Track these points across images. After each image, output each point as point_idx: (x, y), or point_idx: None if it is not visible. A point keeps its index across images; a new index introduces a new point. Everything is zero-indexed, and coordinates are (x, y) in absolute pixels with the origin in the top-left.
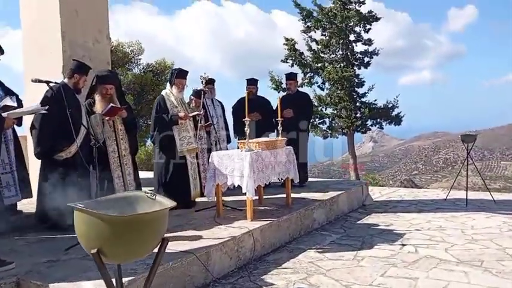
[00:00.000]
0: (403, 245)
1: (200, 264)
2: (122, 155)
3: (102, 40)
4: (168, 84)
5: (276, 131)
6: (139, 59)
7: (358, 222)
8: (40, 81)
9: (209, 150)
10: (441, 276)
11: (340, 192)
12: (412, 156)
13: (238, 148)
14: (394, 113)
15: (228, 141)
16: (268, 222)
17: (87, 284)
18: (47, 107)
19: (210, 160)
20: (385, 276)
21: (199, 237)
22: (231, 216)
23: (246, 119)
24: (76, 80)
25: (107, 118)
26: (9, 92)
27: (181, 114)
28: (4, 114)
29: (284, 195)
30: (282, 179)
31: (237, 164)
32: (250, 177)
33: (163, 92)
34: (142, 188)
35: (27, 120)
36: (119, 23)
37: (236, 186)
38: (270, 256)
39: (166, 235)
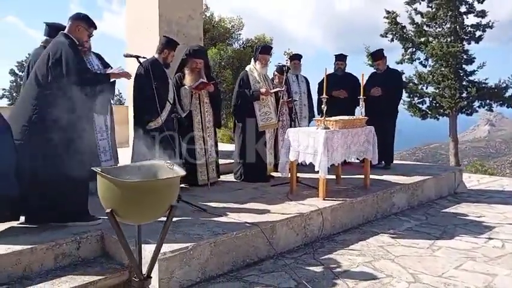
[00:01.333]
0: (490, 238)
1: (264, 236)
2: (206, 127)
3: (196, 17)
4: (252, 60)
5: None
6: (239, 34)
7: (443, 211)
8: (131, 56)
9: (291, 126)
10: None
11: (426, 177)
12: None
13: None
14: (507, 94)
15: (312, 117)
16: (340, 202)
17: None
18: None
19: (285, 136)
20: (459, 269)
21: (268, 211)
22: (304, 193)
23: (324, 95)
24: (165, 55)
25: (194, 91)
26: (107, 67)
27: (263, 90)
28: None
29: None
30: (359, 159)
31: (311, 142)
32: (324, 155)
33: (247, 68)
34: (221, 160)
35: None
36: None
37: (308, 163)
38: (340, 236)
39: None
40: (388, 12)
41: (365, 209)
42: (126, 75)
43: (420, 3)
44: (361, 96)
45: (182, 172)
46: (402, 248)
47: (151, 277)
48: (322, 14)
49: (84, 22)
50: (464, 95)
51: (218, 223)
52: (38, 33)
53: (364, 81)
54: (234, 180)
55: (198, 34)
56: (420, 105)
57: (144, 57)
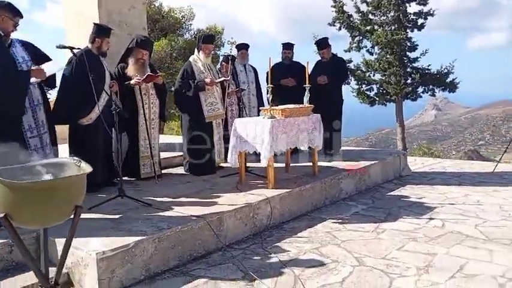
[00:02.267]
0: (431, 218)
1: (211, 229)
2: (150, 119)
3: (138, 6)
4: (195, 50)
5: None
6: (190, 24)
7: (389, 194)
8: (64, 47)
9: (240, 117)
10: (462, 254)
11: (373, 162)
12: (479, 125)
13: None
14: (448, 79)
15: (261, 107)
16: (288, 190)
17: (96, 241)
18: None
19: (233, 127)
20: (402, 250)
21: (216, 203)
22: (254, 183)
23: (269, 85)
24: (98, 44)
25: (140, 83)
26: (43, 58)
27: (207, 80)
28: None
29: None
30: (306, 147)
31: (258, 131)
32: (269, 144)
33: (190, 58)
34: (171, 153)
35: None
36: None
37: (258, 153)
38: (288, 224)
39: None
40: (335, 1)
41: (313, 196)
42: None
43: None
44: (306, 85)
45: (89, 169)
46: (349, 232)
47: (59, 284)
48: (276, 5)
49: (8, 11)
50: (408, 81)
51: (163, 218)
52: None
53: (310, 70)
54: (184, 173)
55: (141, 23)
56: (368, 92)
57: (78, 48)
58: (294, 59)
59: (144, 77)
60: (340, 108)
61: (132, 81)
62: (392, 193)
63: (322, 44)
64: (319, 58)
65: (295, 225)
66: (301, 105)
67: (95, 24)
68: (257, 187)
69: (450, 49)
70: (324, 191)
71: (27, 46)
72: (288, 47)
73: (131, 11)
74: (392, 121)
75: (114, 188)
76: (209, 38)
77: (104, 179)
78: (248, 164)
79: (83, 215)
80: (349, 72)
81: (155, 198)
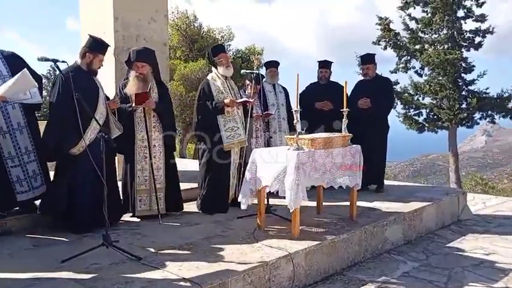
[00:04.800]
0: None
1: None
2: (151, 146)
3: (159, 19)
4: (212, 68)
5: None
6: (229, 45)
7: (447, 245)
8: (47, 59)
9: (268, 143)
10: None
11: (426, 204)
12: None
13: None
14: (510, 105)
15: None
16: (317, 243)
17: None
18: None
19: (251, 158)
20: None
21: (221, 258)
22: (276, 228)
23: (296, 108)
24: (89, 60)
25: (134, 107)
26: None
27: (227, 100)
28: None
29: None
30: (339, 185)
31: (280, 165)
32: (294, 183)
33: (208, 76)
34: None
35: None
36: (220, 12)
37: (276, 192)
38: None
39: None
40: (380, 18)
41: (350, 249)
42: None
43: (414, 8)
44: (344, 109)
45: None
46: None
47: None
48: (318, 27)
49: None
50: (463, 106)
51: (149, 280)
52: (34, 46)
53: (349, 91)
54: (197, 210)
55: (162, 38)
56: (417, 117)
57: (63, 61)
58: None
59: (135, 97)
60: (385, 137)
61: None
62: (451, 244)
63: (367, 58)
64: (360, 79)
65: None
66: (337, 134)
67: (89, 36)
68: (279, 235)
69: (497, 73)
70: (364, 241)
71: (8, 58)
72: (324, 64)
73: (151, 25)
74: (439, 147)
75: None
76: (218, 48)
77: (100, 217)
78: (272, 200)
79: (48, 273)
80: (395, 96)
81: (149, 248)
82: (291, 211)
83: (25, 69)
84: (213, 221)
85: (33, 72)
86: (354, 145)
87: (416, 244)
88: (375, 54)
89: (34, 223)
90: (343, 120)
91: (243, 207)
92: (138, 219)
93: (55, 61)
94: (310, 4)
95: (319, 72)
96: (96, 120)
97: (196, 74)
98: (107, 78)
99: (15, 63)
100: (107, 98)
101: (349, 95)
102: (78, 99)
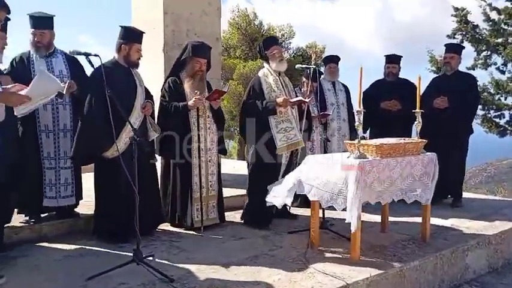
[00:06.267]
0: None
1: None
2: (207, 148)
3: (211, 12)
4: (264, 63)
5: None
6: (290, 43)
7: None
8: (79, 53)
9: (325, 150)
10: None
11: None
12: None
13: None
14: None
15: (356, 136)
16: (381, 272)
17: None
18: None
19: (303, 163)
20: None
21: (266, 287)
22: (331, 249)
23: (359, 108)
24: (126, 52)
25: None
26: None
27: (280, 99)
28: None
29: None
30: (410, 199)
31: (337, 176)
32: (356, 197)
33: (259, 73)
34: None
35: None
36: (280, 12)
37: (327, 205)
38: None
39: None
40: (456, 9)
41: (422, 278)
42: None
43: None
44: (417, 110)
45: None
46: None
47: None
48: (382, 25)
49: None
50: None
51: None
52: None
53: (424, 88)
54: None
55: (214, 33)
56: (497, 120)
57: (96, 55)
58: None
59: (211, 93)
60: (466, 143)
61: (190, 102)
62: None
63: (453, 47)
64: (435, 76)
65: None
66: (408, 139)
67: (120, 26)
68: (335, 257)
69: None
70: (439, 269)
71: (71, 62)
72: (392, 59)
73: (202, 18)
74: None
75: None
76: (270, 40)
77: (144, 226)
78: (328, 212)
79: None
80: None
81: (185, 266)
82: (352, 231)
83: (42, 68)
84: (261, 236)
85: (84, 76)
86: (428, 153)
87: (504, 274)
88: (463, 46)
89: (71, 229)
90: (416, 122)
91: (276, 203)
92: (179, 230)
93: (87, 55)
94: (373, 1)
95: (386, 67)
96: (130, 123)
97: (256, 74)
98: (155, 75)
99: (75, 66)
100: (148, 95)
101: (422, 93)
102: (110, 97)
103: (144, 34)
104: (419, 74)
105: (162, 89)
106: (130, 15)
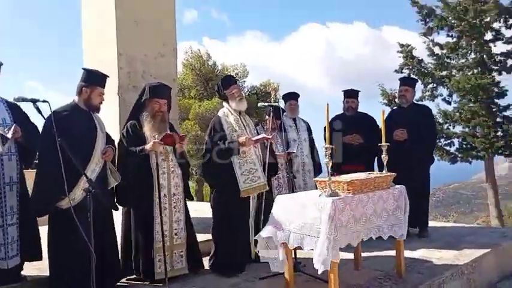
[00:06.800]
0: None
1: None
2: (171, 194)
3: (167, 53)
4: (223, 103)
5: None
6: (244, 81)
7: None
8: (24, 99)
9: (292, 186)
10: None
11: (484, 251)
12: None
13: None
14: None
15: (318, 171)
16: None
17: None
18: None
19: (274, 207)
20: None
21: None
22: None
23: (327, 145)
24: (87, 96)
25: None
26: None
27: (242, 139)
28: None
29: (393, 253)
30: (386, 235)
31: (310, 216)
32: (328, 239)
33: (219, 112)
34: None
35: None
36: (232, 53)
37: (310, 249)
38: None
39: None
40: (402, 45)
41: None
42: None
43: (438, 33)
44: (383, 143)
45: None
46: None
47: None
48: (329, 63)
49: None
50: (499, 133)
51: None
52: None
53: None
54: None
55: (171, 74)
56: (448, 148)
57: (45, 101)
58: None
59: (162, 136)
60: (428, 173)
61: (147, 146)
62: None
63: (405, 81)
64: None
65: None
66: (377, 174)
67: (83, 69)
68: None
69: None
70: None
71: (14, 109)
72: (351, 94)
73: (158, 60)
74: (459, 175)
75: None
76: (228, 80)
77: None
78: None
79: None
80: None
81: None
82: (319, 272)
83: None
84: (231, 285)
85: (28, 122)
86: (397, 186)
87: None
88: (415, 78)
89: None
90: (383, 156)
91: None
92: (142, 283)
93: (34, 101)
94: (318, 41)
95: (345, 102)
96: (85, 174)
97: (212, 113)
98: (110, 119)
99: (18, 112)
100: (109, 141)
101: (380, 126)
102: (61, 146)
103: (107, 78)
104: (383, 109)
105: (120, 134)
106: (81, 57)
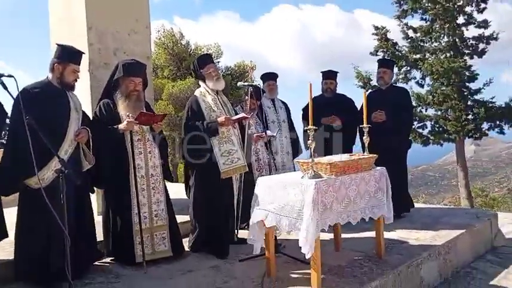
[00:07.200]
0: None
1: None
2: (149, 175)
3: (140, 30)
4: (200, 82)
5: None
6: (218, 62)
7: (492, 283)
8: None
9: (272, 168)
10: None
11: (460, 232)
12: None
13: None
14: None
15: (296, 153)
16: None
17: None
18: None
19: (255, 189)
20: None
21: None
22: (288, 276)
23: (310, 126)
24: (59, 73)
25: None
26: None
27: (221, 118)
28: None
29: (373, 234)
30: (367, 217)
31: (292, 198)
32: (312, 220)
33: (196, 92)
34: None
35: None
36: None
37: (288, 230)
38: None
39: None
40: (376, 28)
41: None
42: None
43: (412, 17)
44: (364, 125)
45: None
46: None
47: None
48: (302, 44)
49: None
50: (470, 116)
51: None
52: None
53: (359, 103)
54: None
55: (145, 51)
56: (421, 130)
57: (10, 75)
58: None
59: (136, 115)
60: (405, 154)
61: (121, 126)
62: (495, 282)
63: (383, 63)
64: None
65: None
66: (359, 155)
67: (57, 44)
68: (295, 284)
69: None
70: (398, 287)
71: None
72: (329, 75)
73: (131, 36)
74: (427, 157)
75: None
76: (204, 58)
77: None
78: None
79: None
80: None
81: None
82: (306, 257)
83: None
84: (211, 266)
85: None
86: (377, 167)
87: (455, 283)
88: (394, 61)
89: None
90: (365, 137)
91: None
92: (121, 266)
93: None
94: (291, 23)
95: (324, 83)
96: (57, 155)
97: (185, 93)
98: (80, 97)
99: None
100: (87, 121)
101: (359, 108)
102: (30, 124)
103: (83, 54)
104: (364, 91)
105: (92, 113)
106: (48, 33)
